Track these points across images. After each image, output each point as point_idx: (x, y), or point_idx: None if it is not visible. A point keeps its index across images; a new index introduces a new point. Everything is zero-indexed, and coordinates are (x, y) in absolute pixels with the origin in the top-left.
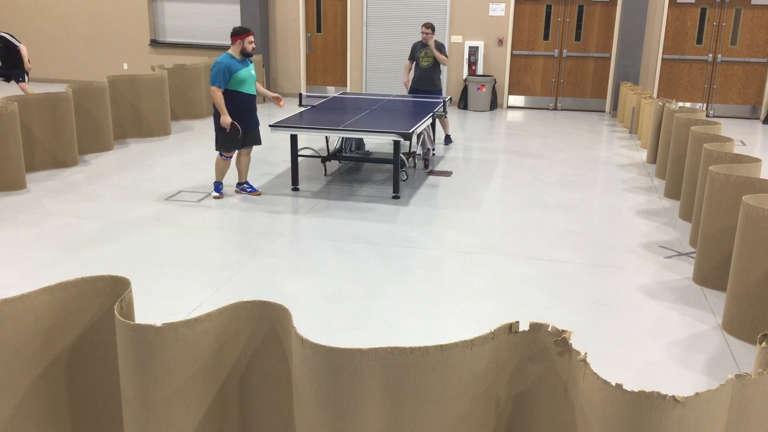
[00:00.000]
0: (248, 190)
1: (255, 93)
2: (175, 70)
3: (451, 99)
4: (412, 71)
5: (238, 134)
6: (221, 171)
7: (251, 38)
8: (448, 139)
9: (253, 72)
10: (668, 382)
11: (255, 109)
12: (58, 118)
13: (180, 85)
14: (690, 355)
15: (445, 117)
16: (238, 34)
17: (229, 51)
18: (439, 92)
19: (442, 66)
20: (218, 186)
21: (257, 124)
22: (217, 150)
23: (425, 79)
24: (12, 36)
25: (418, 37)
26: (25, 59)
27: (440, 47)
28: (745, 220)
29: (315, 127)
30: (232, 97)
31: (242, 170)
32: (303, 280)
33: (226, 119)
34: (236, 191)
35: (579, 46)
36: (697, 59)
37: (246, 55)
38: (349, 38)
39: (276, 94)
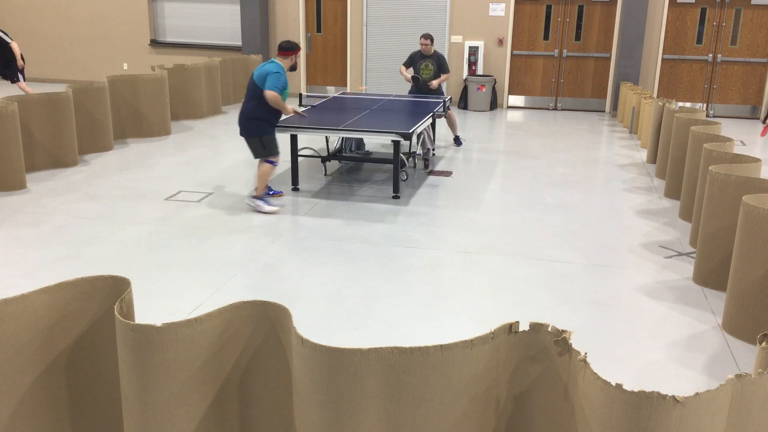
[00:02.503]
0: (270, 193)
1: None
2: (175, 70)
3: (451, 99)
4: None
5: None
6: (267, 181)
7: (299, 54)
8: (458, 140)
9: None
10: (668, 382)
11: None
12: (58, 118)
13: (180, 85)
14: (690, 355)
15: (449, 116)
16: (292, 49)
17: (279, 62)
18: (440, 95)
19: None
20: (268, 197)
21: None
22: (266, 157)
23: (425, 90)
24: (4, 33)
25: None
26: (18, 56)
27: (441, 60)
28: (745, 220)
29: (315, 127)
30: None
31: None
32: (303, 280)
33: (294, 109)
34: (249, 203)
35: (579, 46)
36: (697, 59)
37: (292, 70)
38: (349, 38)
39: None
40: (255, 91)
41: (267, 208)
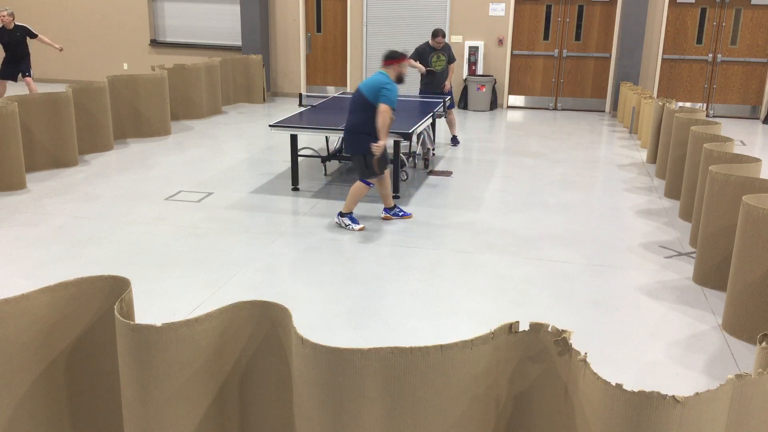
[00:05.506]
0: (400, 214)
1: None
2: (175, 70)
3: (452, 98)
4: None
5: (384, 161)
6: (357, 201)
7: (406, 63)
8: (455, 140)
9: None
10: (668, 382)
11: None
12: (58, 118)
13: (180, 85)
14: (690, 355)
15: (451, 115)
16: (395, 58)
17: (386, 73)
18: (449, 93)
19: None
20: (354, 218)
21: None
22: (370, 176)
23: (438, 82)
24: (29, 27)
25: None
26: (53, 43)
27: (450, 50)
28: (745, 220)
29: (315, 127)
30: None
31: (388, 195)
32: (303, 280)
33: (383, 143)
34: (384, 217)
35: (579, 46)
36: (697, 59)
37: (399, 81)
38: (349, 38)
39: None
40: (363, 103)
41: (355, 226)
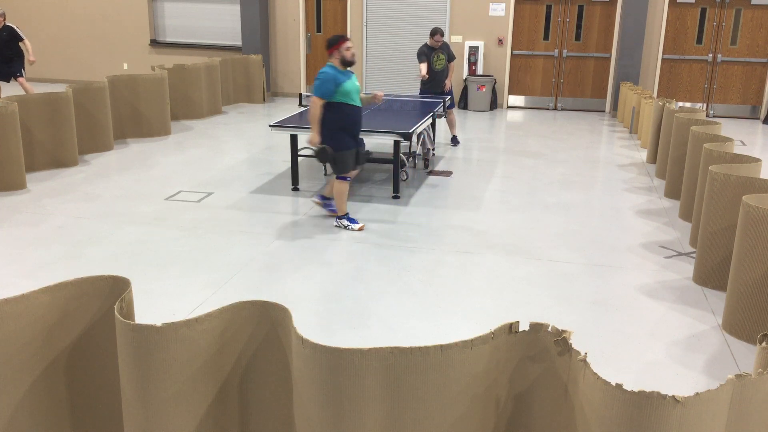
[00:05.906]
0: (330, 208)
1: (361, 105)
2: (175, 70)
3: (452, 98)
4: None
5: (326, 156)
6: (345, 199)
7: (348, 44)
8: (455, 140)
9: (356, 83)
10: (668, 382)
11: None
12: (58, 118)
13: (180, 85)
14: (690, 355)
15: (452, 115)
16: (334, 43)
17: (330, 62)
18: (449, 93)
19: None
20: (352, 218)
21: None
22: (338, 173)
23: (438, 81)
24: (18, 29)
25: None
26: (30, 53)
27: (449, 48)
28: (745, 220)
29: None
30: (340, 109)
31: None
32: (303, 280)
33: (315, 137)
34: (316, 202)
35: (579, 46)
36: (697, 59)
37: (347, 64)
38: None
39: (374, 94)
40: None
41: (354, 226)
